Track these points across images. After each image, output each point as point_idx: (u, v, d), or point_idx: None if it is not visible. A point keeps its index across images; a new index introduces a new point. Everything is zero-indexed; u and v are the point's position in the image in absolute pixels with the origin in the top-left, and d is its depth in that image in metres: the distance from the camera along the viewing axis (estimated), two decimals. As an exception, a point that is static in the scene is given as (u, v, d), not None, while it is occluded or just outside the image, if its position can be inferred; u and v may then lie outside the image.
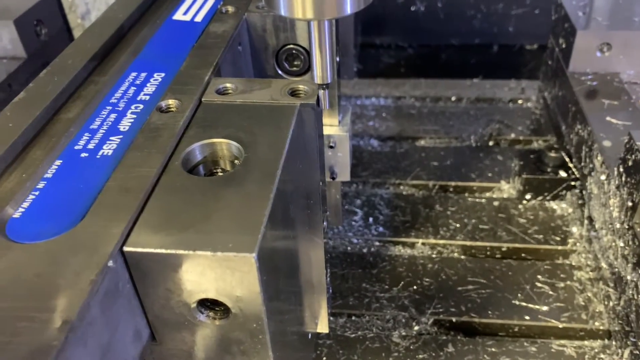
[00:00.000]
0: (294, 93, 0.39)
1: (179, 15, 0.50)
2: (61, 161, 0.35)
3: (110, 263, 0.28)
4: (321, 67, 0.38)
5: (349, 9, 0.34)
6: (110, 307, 0.29)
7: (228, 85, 0.40)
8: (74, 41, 0.46)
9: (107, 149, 0.36)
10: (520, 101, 0.90)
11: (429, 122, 0.86)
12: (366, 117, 0.88)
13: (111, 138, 0.37)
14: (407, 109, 0.90)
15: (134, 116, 0.38)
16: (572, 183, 0.72)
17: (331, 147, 0.52)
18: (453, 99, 0.91)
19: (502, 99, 0.90)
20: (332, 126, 0.53)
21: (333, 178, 0.54)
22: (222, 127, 0.37)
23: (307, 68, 0.50)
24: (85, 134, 0.37)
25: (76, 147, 0.36)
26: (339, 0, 0.33)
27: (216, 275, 0.29)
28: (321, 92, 0.40)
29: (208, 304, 0.32)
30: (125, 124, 0.38)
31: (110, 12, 0.51)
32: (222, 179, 0.33)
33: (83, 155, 0.35)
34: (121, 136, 0.37)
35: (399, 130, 0.85)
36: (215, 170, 0.36)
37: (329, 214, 0.63)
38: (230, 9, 0.49)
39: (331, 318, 0.62)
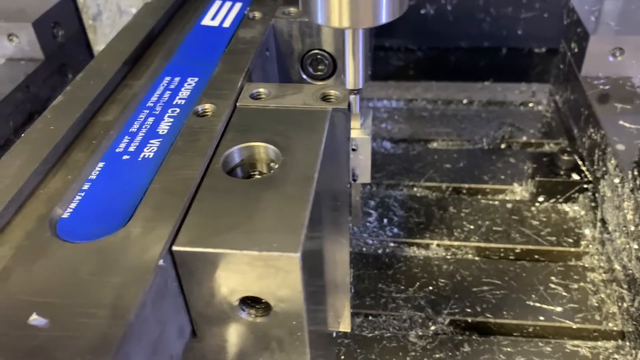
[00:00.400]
0: (325, 98, 0.40)
1: (207, 21, 0.51)
2: (104, 163, 0.36)
3: (161, 262, 0.30)
4: (354, 73, 0.40)
5: (384, 18, 0.35)
6: (160, 305, 0.30)
7: (261, 90, 0.41)
8: (107, 45, 0.47)
9: (148, 152, 0.37)
10: (531, 104, 0.92)
11: (441, 124, 0.88)
12: (379, 120, 0.90)
13: (151, 141, 0.38)
14: (419, 111, 0.91)
15: (172, 120, 0.40)
16: (585, 186, 0.73)
17: (353, 149, 0.53)
18: (464, 101, 0.93)
19: (513, 102, 0.92)
20: (354, 129, 0.54)
21: (354, 180, 0.56)
22: (258, 131, 0.38)
23: (331, 72, 0.52)
24: (126, 137, 0.38)
25: (117, 150, 0.37)
26: (374, 10, 0.35)
27: (260, 274, 0.31)
28: (352, 97, 0.42)
29: (249, 302, 0.33)
30: (163, 127, 0.39)
31: (139, 17, 0.52)
32: (262, 181, 0.34)
33: (125, 157, 0.37)
34: (160, 139, 0.38)
35: (411, 133, 0.87)
36: (252, 173, 0.37)
37: (350, 215, 0.64)
38: (257, 14, 0.51)
39: (349, 317, 0.63)
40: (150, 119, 0.40)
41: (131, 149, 0.37)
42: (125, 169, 0.36)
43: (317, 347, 0.39)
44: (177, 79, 0.44)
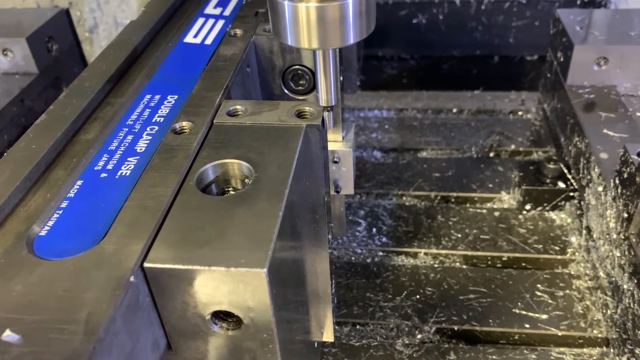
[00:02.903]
0: (300, 114, 0.41)
1: (189, 38, 0.53)
2: (82, 181, 0.38)
3: (132, 278, 0.31)
4: (326, 91, 0.41)
5: (351, 39, 0.37)
6: (132, 319, 0.31)
7: (238, 107, 0.42)
8: (91, 64, 0.49)
9: (125, 170, 0.38)
10: (520, 112, 0.93)
11: (430, 133, 0.89)
12: (369, 129, 0.91)
13: (129, 159, 0.39)
14: (409, 120, 0.92)
15: (150, 137, 0.41)
16: (571, 194, 0.74)
17: (335, 162, 0.54)
18: (454, 110, 0.94)
19: (503, 111, 0.93)
20: (336, 142, 0.55)
21: (337, 192, 0.57)
22: (233, 147, 0.39)
23: (312, 87, 0.53)
24: (104, 155, 0.40)
25: (96, 168, 0.39)
26: (342, 32, 0.36)
27: (229, 288, 0.32)
28: (326, 113, 0.43)
29: (221, 316, 0.34)
30: (141, 145, 0.40)
31: (124, 34, 0.53)
32: (234, 197, 0.36)
33: (103, 175, 0.38)
34: (138, 157, 0.39)
35: (401, 142, 0.88)
36: (227, 189, 0.38)
37: (334, 226, 0.65)
38: (239, 32, 0.52)
39: (336, 327, 0.64)
40: (130, 137, 0.41)
41: (109, 167, 0.39)
42: (103, 187, 0.37)
43: (293, 358, 0.40)
44: (157, 97, 0.45)
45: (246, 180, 0.38)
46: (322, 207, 0.44)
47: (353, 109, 0.94)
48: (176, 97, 0.45)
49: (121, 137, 0.41)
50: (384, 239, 0.74)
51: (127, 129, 0.42)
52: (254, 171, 0.37)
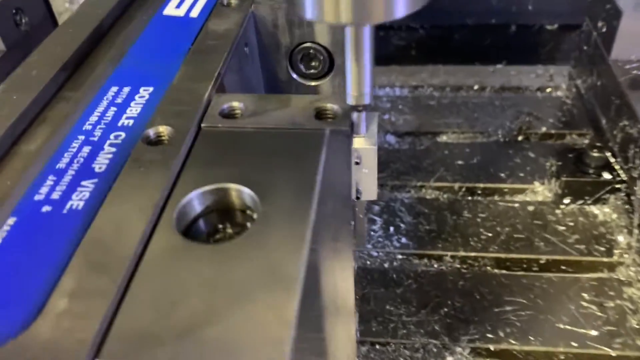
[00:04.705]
0: (320, 115, 0.29)
1: (170, 10, 0.39)
2: (15, 218, 0.25)
3: (75, 394, 0.19)
4: (358, 85, 0.28)
5: (400, 10, 0.24)
6: None
7: (235, 104, 0.30)
8: (41, 45, 0.36)
9: (77, 200, 0.26)
10: (549, 89, 0.80)
11: (450, 114, 0.76)
12: (381, 110, 0.78)
13: (83, 183, 0.27)
14: (425, 99, 0.79)
15: (114, 149, 0.28)
16: (617, 186, 0.62)
17: (357, 163, 0.42)
18: (475, 87, 0.81)
19: (530, 88, 0.80)
20: (357, 137, 0.43)
21: (358, 197, 0.45)
22: (229, 165, 0.27)
23: (328, 69, 0.40)
24: (50, 177, 0.27)
25: (36, 198, 0.26)
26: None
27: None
28: (355, 114, 0.31)
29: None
30: (101, 162, 0.28)
31: (87, 6, 0.40)
32: (230, 247, 0.23)
33: (45, 209, 0.26)
34: (96, 180, 0.27)
35: (418, 124, 0.75)
36: (220, 227, 0.26)
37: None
38: (233, 0, 0.39)
39: (353, 347, 0.53)
40: (86, 149, 0.29)
41: (55, 195, 0.26)
42: (44, 228, 0.25)
43: None
44: (126, 90, 0.32)
45: (248, 211, 0.26)
46: (348, 235, 0.32)
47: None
48: (151, 89, 0.32)
49: (75, 150, 0.29)
50: (404, 240, 0.62)
51: (83, 137, 0.29)
52: (259, 202, 0.25)
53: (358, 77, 0.27)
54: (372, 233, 0.63)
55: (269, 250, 0.23)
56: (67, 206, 0.26)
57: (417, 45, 0.95)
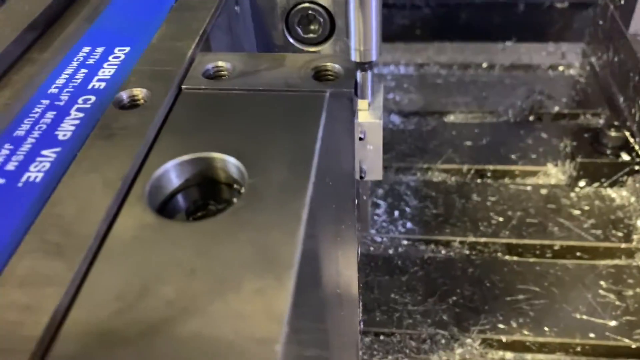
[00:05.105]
0: (320, 75, 0.25)
1: (153, -36, 0.35)
2: (-38, 193, 0.21)
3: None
4: (363, 38, 0.24)
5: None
6: None
7: (221, 64, 0.26)
8: (7, 3, 0.32)
9: (35, 172, 0.22)
10: (561, 67, 0.76)
11: (458, 93, 0.72)
12: (385, 89, 0.74)
13: (43, 152, 0.23)
14: (432, 78, 0.75)
15: (81, 115, 0.25)
16: (636, 167, 0.58)
17: (360, 138, 0.38)
18: (484, 65, 0.77)
19: (541, 66, 0.76)
20: (361, 110, 0.39)
21: (362, 177, 0.41)
22: (212, 131, 0.23)
23: (328, 34, 0.36)
24: (6, 146, 0.23)
25: (-12, 169, 0.22)
26: None
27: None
28: (361, 73, 0.27)
29: None
30: (66, 129, 0.24)
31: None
32: (214, 225, 0.19)
33: (-3, 182, 0.22)
34: (58, 149, 0.23)
35: (424, 104, 0.71)
36: (203, 203, 0.22)
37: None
38: (223, -47, 0.35)
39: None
40: (50, 115, 0.25)
41: (10, 167, 0.22)
42: (-6, 203, 0.21)
43: None
44: (99, 50, 0.28)
45: (235, 185, 0.22)
46: (352, 216, 0.28)
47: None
48: (127, 49, 0.28)
49: (36, 116, 0.25)
50: (409, 225, 0.59)
51: (47, 102, 0.25)
52: (247, 173, 0.21)
53: (364, 27, 0.23)
54: (375, 217, 0.59)
55: (259, 229, 0.19)
56: (23, 179, 0.22)
57: (422, 25, 0.90)
